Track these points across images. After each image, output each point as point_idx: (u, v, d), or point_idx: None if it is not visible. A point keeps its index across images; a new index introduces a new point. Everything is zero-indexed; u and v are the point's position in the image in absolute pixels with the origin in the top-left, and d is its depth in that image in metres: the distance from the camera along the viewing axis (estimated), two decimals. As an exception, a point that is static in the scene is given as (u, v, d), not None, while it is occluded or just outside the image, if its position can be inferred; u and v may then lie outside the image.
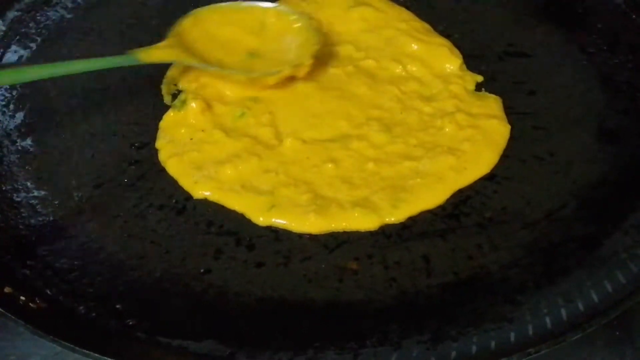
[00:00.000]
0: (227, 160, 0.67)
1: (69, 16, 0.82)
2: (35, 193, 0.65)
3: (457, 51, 0.77)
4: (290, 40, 0.75)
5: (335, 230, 0.63)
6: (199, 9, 0.76)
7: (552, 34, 0.80)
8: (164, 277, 0.60)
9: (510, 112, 0.72)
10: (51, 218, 0.64)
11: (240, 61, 0.73)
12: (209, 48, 0.73)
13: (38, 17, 0.81)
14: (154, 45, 0.71)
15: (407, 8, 0.82)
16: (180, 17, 0.74)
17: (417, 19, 0.81)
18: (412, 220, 0.63)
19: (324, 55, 0.75)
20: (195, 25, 0.74)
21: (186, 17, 0.74)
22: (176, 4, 0.82)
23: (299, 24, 0.75)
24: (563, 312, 0.56)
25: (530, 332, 0.55)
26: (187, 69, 0.74)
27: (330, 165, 0.66)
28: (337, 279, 0.59)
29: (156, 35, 0.77)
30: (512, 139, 0.69)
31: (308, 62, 0.72)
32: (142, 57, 0.69)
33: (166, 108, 0.72)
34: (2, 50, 0.77)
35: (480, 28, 0.80)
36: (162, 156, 0.68)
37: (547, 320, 0.55)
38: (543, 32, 0.80)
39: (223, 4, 0.77)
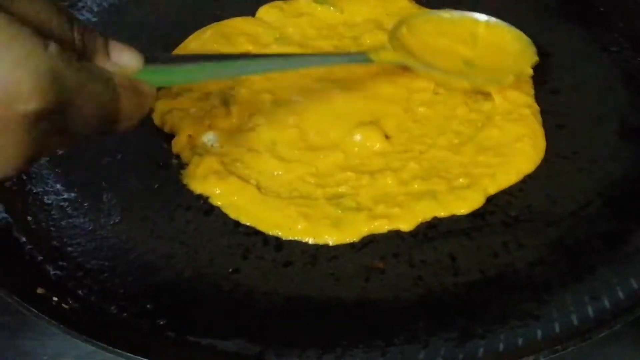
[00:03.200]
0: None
1: (94, 19, 0.82)
2: (66, 195, 0.66)
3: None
4: (505, 51, 0.75)
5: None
6: (410, 18, 0.77)
7: (573, 33, 0.80)
8: (193, 277, 0.60)
9: (534, 110, 0.72)
10: (81, 220, 0.64)
11: (457, 69, 0.73)
12: (426, 56, 0.73)
13: (64, 21, 0.82)
14: (381, 48, 0.73)
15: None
16: (394, 25, 0.75)
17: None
18: (438, 220, 0.64)
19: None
20: (410, 33, 0.75)
21: (400, 25, 0.75)
22: (198, 8, 0.84)
23: (512, 35, 0.76)
24: (589, 309, 0.56)
25: (557, 329, 0.55)
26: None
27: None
28: (364, 278, 0.60)
29: (181, 39, 0.78)
30: (537, 137, 0.70)
31: (529, 71, 0.73)
32: (373, 57, 0.71)
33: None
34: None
35: (502, 27, 0.80)
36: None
37: (574, 317, 0.56)
38: (564, 30, 0.81)
39: (434, 12, 0.79)
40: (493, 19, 0.77)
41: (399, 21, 0.76)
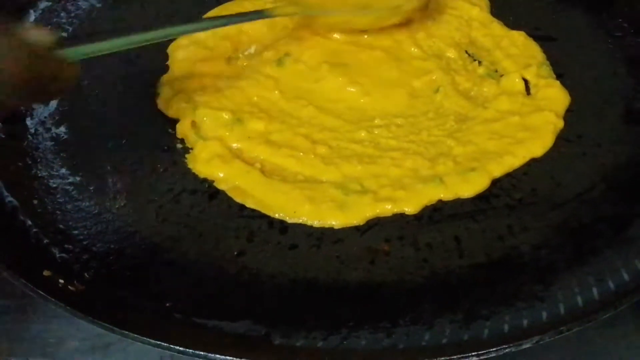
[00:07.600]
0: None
1: (98, 5, 0.82)
2: (71, 179, 0.66)
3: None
4: None
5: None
6: None
7: (578, 18, 0.80)
8: (198, 260, 0.60)
9: (538, 95, 0.72)
10: (87, 203, 0.64)
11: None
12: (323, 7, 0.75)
13: (69, 7, 0.82)
14: (275, 5, 0.74)
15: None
16: None
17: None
18: (443, 202, 0.64)
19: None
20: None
21: None
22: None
23: None
24: (594, 290, 0.56)
25: (562, 310, 0.55)
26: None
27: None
28: (369, 261, 0.60)
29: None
30: (541, 122, 0.69)
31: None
32: (272, 13, 0.71)
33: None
34: (34, 39, 0.78)
35: (505, 12, 0.81)
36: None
37: (579, 299, 0.56)
38: (569, 15, 0.81)
39: None
40: None
41: None
